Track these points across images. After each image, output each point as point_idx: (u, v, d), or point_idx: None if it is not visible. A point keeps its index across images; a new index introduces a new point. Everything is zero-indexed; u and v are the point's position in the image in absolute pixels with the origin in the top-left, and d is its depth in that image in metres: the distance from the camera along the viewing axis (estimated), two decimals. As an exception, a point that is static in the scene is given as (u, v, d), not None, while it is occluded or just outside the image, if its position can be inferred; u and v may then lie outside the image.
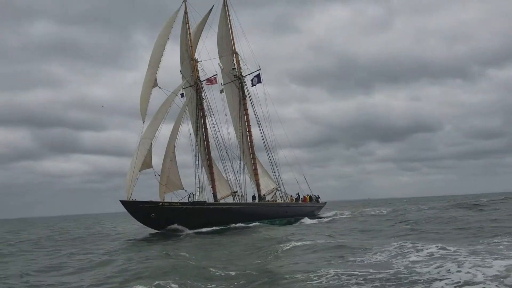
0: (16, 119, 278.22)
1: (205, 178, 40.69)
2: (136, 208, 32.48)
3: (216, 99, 43.81)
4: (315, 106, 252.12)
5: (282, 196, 47.65)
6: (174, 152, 37.10)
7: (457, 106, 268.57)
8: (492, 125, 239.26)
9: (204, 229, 33.45)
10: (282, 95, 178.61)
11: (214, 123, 41.96)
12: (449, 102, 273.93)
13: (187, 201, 34.62)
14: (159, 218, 32.62)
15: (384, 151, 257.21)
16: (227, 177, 41.92)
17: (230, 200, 40.96)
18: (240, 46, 47.34)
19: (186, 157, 40.98)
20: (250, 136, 46.87)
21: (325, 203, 55.09)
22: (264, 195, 45.04)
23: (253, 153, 46.65)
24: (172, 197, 35.75)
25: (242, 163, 45.02)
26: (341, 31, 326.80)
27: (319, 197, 52.63)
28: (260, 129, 46.85)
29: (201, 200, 36.50)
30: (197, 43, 43.55)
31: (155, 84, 38.27)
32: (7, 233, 50.47)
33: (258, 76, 47.17)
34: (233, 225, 36.02)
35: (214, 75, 42.16)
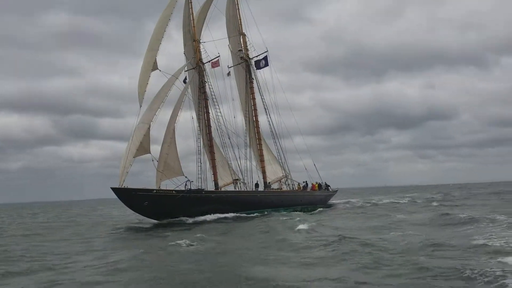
0: (36, 106, 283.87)
1: (207, 164, 39.10)
2: (128, 196, 30.70)
3: (222, 83, 42.11)
4: (330, 94, 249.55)
5: (289, 184, 45.76)
6: (173, 137, 35.34)
7: (473, 94, 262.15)
8: (510, 113, 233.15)
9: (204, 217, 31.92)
10: (295, 83, 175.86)
11: (217, 106, 40.16)
12: (465, 90, 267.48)
13: (183, 188, 32.99)
14: (153, 206, 31.02)
15: (400, 138, 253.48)
16: (229, 164, 40.13)
17: (231, 187, 39.29)
18: (250, 33, 45.39)
19: (192, 143, 39.23)
20: (257, 121, 44.95)
21: (336, 191, 52.89)
22: (269, 183, 43.19)
23: (259, 139, 44.73)
24: (171, 185, 34.20)
25: (249, 149, 43.24)
26: (352, 20, 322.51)
27: (328, 185, 50.51)
28: (267, 115, 44.94)
29: (199, 187, 34.91)
30: (202, 25, 41.67)
31: (154, 67, 36.41)
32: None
33: (265, 58, 45.13)
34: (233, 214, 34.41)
35: (216, 57, 40.33)
